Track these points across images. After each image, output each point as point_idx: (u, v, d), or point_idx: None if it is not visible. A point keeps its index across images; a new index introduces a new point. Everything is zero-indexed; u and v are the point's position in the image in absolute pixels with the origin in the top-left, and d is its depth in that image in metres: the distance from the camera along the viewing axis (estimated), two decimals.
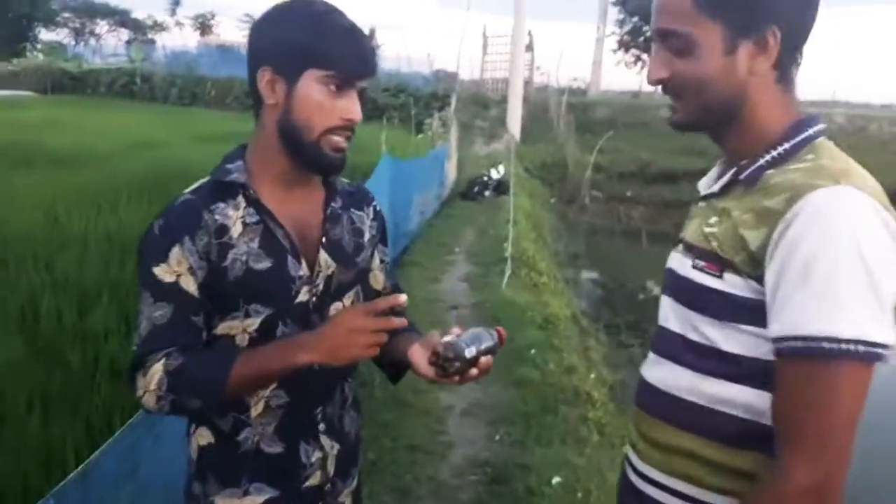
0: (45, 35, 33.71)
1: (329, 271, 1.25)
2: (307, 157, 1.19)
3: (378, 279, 1.42)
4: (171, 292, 1.14)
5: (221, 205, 1.18)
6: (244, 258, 1.17)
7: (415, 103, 17.75)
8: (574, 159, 14.55)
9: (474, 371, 1.12)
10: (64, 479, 1.66)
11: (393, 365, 1.30)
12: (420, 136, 13.66)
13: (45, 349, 3.32)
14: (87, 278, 4.08)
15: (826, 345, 0.85)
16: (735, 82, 1.00)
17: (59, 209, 5.65)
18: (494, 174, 11.14)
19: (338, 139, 1.19)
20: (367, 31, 1.21)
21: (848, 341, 0.84)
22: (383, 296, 1.43)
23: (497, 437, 3.62)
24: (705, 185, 1.12)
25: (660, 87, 1.07)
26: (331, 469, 1.30)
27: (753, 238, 0.93)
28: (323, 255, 1.25)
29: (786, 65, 1.01)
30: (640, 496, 1.10)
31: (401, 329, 1.36)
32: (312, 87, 1.15)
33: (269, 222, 1.20)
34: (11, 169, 7.78)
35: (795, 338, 0.87)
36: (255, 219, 1.19)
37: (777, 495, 0.88)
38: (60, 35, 37.45)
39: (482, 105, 19.07)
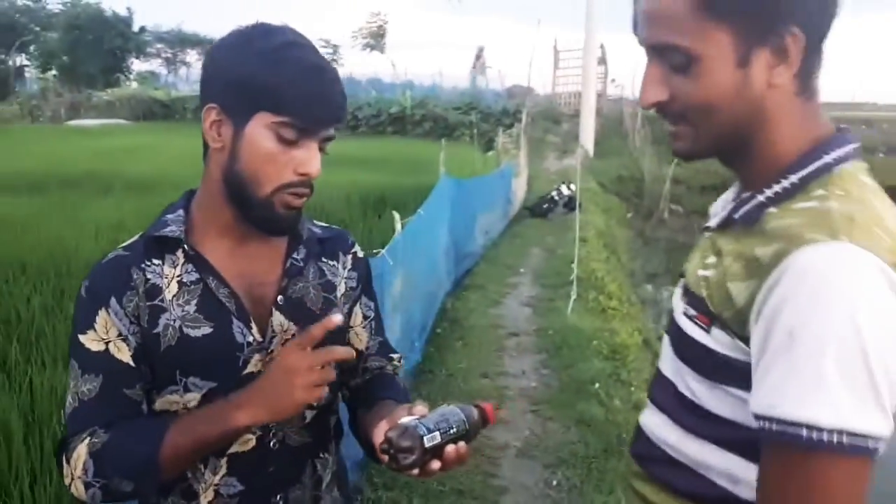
0: (138, 65, 35.82)
1: (288, 335, 1.06)
2: (254, 216, 1.01)
3: (361, 338, 1.21)
4: (100, 362, 1.00)
5: (156, 261, 1.03)
6: (177, 324, 1.01)
7: (485, 120, 17.63)
8: (651, 172, 14.02)
9: (436, 464, 0.89)
10: None
11: (367, 443, 1.06)
12: (489, 153, 13.47)
13: None
14: None
15: (805, 433, 0.70)
16: (751, 100, 0.81)
17: (122, 237, 5.75)
18: (565, 190, 10.79)
19: (291, 198, 1.00)
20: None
21: (829, 430, 0.69)
22: (366, 357, 1.22)
23: (554, 483, 3.35)
24: (714, 210, 0.94)
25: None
26: None
27: (739, 293, 0.78)
28: (278, 317, 1.06)
29: (809, 72, 0.82)
30: (639, 499, 0.98)
31: (386, 389, 1.15)
32: (262, 134, 0.97)
33: (209, 281, 1.02)
34: (90, 196, 8.09)
35: (771, 419, 0.72)
36: (193, 277, 1.03)
37: None
38: (153, 65, 39.73)
39: (554, 120, 18.76)
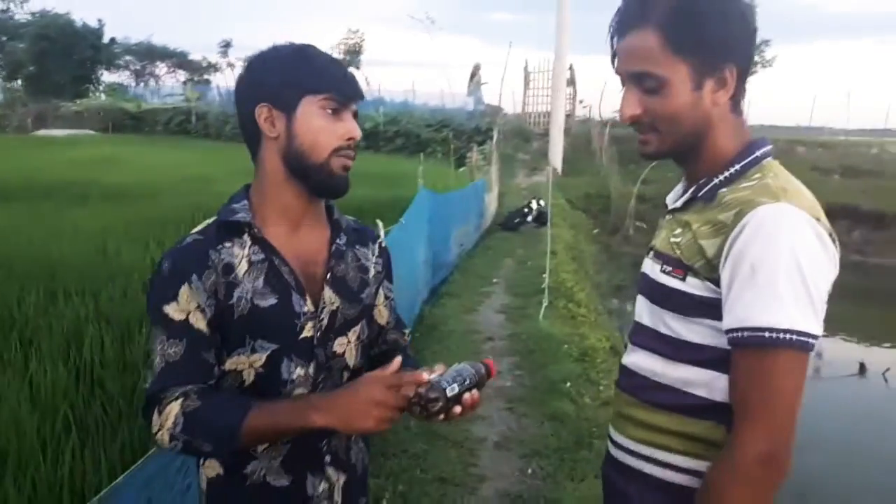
0: (107, 76, 35.44)
1: (333, 307, 1.26)
2: (318, 180, 1.22)
3: (382, 314, 1.43)
4: (183, 330, 1.16)
5: (228, 244, 1.20)
6: (249, 296, 1.19)
7: (457, 137, 17.94)
8: (617, 190, 14.43)
9: (458, 409, 1.11)
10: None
11: None
12: (461, 169, 13.76)
13: (87, 377, 3.42)
14: (130, 309, 4.20)
15: (767, 334, 0.99)
16: (702, 114, 1.13)
17: (108, 243, 5.87)
18: (535, 205, 11.12)
19: (345, 158, 1.23)
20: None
21: (784, 331, 0.99)
22: (386, 331, 1.45)
23: (529, 471, 3.56)
24: (671, 199, 1.25)
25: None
26: (338, 500, 1.30)
27: (709, 246, 1.08)
28: (327, 292, 1.26)
29: (738, 96, 1.15)
30: (617, 465, 1.25)
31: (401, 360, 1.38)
32: (312, 112, 1.19)
33: (274, 260, 1.22)
34: (67, 205, 8.14)
35: (743, 329, 1.02)
36: (260, 257, 1.21)
37: (735, 463, 1.01)
38: (122, 77, 39.33)
39: (524, 138, 19.14)
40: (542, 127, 19.11)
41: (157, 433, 1.15)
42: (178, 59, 42.10)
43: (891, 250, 14.65)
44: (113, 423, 3.01)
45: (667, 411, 1.16)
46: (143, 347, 3.65)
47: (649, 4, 1.10)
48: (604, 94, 21.69)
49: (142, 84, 38.25)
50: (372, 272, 1.37)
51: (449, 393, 1.09)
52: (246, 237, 1.22)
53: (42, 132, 22.26)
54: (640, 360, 1.21)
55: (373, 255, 1.39)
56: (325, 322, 1.25)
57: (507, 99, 21.47)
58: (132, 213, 7.49)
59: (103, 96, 28.55)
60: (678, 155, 1.19)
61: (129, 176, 11.18)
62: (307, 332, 1.23)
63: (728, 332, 1.04)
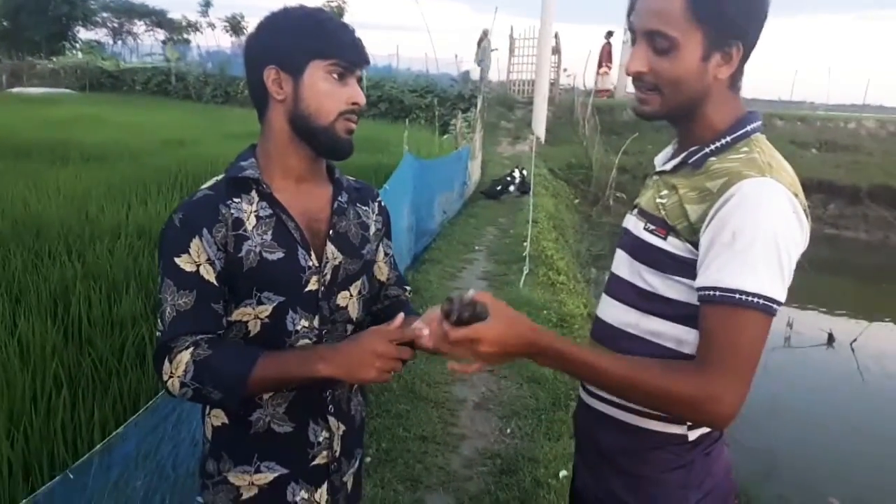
0: (84, 34, 34.49)
1: (336, 262, 1.32)
2: (323, 142, 1.27)
3: (383, 271, 1.49)
4: (193, 281, 1.21)
5: (237, 199, 1.26)
6: (258, 249, 1.24)
7: (441, 104, 17.83)
8: (598, 161, 14.50)
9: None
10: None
11: None
12: (445, 136, 13.73)
13: (76, 335, 3.47)
14: (116, 269, 4.24)
15: (737, 296, 1.07)
16: (703, 84, 1.18)
17: (91, 204, 5.85)
18: (517, 175, 11.18)
19: (349, 122, 1.27)
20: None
21: (753, 295, 1.07)
22: (387, 286, 1.51)
23: (508, 431, 3.70)
24: (661, 160, 1.32)
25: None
26: (337, 448, 1.36)
27: (693, 211, 1.15)
28: (330, 247, 1.32)
29: (738, 74, 1.21)
30: (588, 410, 1.35)
31: (403, 312, 1.43)
32: (319, 76, 1.24)
33: (281, 215, 1.27)
34: (48, 165, 8.03)
35: (716, 288, 1.09)
36: (268, 212, 1.27)
37: (690, 395, 1.09)
38: (99, 34, 38.30)
39: (508, 106, 19.06)
40: (526, 95, 19.04)
41: (167, 380, 1.19)
42: (157, 18, 41.04)
43: (864, 225, 14.94)
44: (103, 379, 3.07)
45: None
46: (130, 306, 3.70)
47: None
48: (588, 64, 21.62)
49: (119, 42, 37.31)
50: (372, 229, 1.43)
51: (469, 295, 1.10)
52: (254, 193, 1.27)
53: (17, 90, 21.72)
54: (615, 311, 1.29)
55: (373, 213, 1.45)
56: (328, 276, 1.31)
57: (491, 66, 21.16)
58: (114, 174, 7.43)
59: (80, 54, 27.82)
60: (672, 119, 1.25)
61: (108, 136, 11.01)
62: (312, 285, 1.28)
63: (700, 289, 1.11)
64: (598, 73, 19.87)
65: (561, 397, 4.06)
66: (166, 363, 1.19)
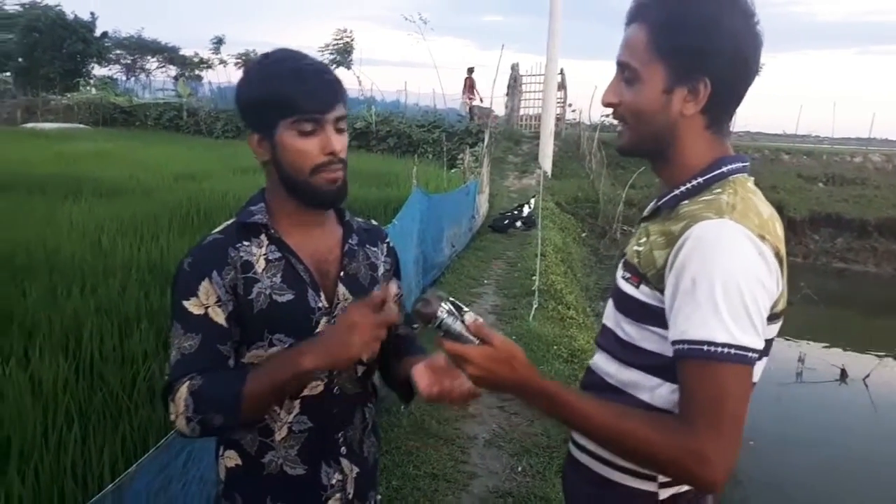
0: (98, 70, 35.17)
1: (346, 303, 1.33)
2: (304, 196, 1.28)
3: (393, 311, 1.52)
4: (200, 323, 1.22)
5: (246, 243, 1.28)
6: (268, 291, 1.26)
7: (449, 139, 18.01)
8: (605, 194, 14.57)
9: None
10: (99, 492, 1.77)
11: (403, 385, 1.37)
12: (453, 170, 13.83)
13: (87, 370, 3.47)
14: (128, 304, 4.26)
15: (706, 348, 1.01)
16: (667, 119, 1.16)
17: (104, 238, 5.90)
18: (525, 208, 11.22)
19: (328, 174, 1.26)
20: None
21: (723, 345, 1.00)
22: (396, 325, 1.51)
23: (519, 469, 3.66)
24: (648, 209, 1.28)
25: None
26: (350, 491, 1.35)
27: (659, 257, 1.11)
28: (341, 288, 1.33)
29: (715, 114, 1.16)
30: (575, 463, 1.29)
31: (410, 349, 1.42)
32: (288, 135, 1.24)
33: (290, 258, 1.29)
34: (61, 199, 8.11)
35: (683, 342, 1.04)
36: (277, 255, 1.29)
37: (678, 457, 1.02)
38: (113, 70, 39.05)
39: (514, 141, 19.23)
40: (533, 130, 19.23)
41: (175, 421, 1.20)
42: (170, 54, 41.89)
43: (873, 258, 14.88)
44: (114, 415, 3.07)
45: None
46: (142, 341, 3.71)
47: (649, 3, 1.15)
48: (594, 99, 21.86)
49: (132, 78, 38.01)
50: (381, 270, 1.44)
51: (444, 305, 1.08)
52: (263, 237, 1.29)
53: (31, 125, 22.06)
54: (600, 360, 1.27)
55: (382, 253, 1.46)
56: (338, 317, 1.31)
57: (498, 102, 21.57)
58: (126, 209, 7.50)
59: (94, 90, 28.31)
60: (644, 154, 1.23)
61: (121, 170, 11.14)
62: (321, 326, 1.29)
63: (673, 343, 1.06)
64: (462, 101, 22.04)
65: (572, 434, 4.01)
66: (171, 405, 1.20)
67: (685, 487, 1.16)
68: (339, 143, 1.26)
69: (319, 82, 1.23)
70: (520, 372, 1.08)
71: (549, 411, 1.10)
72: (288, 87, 1.21)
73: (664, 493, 1.16)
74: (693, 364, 1.03)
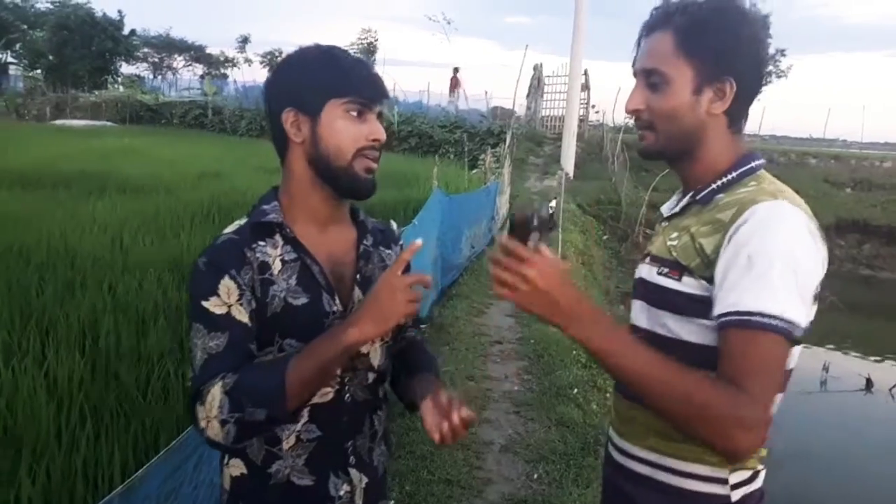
0: (125, 68, 35.70)
1: None
2: (343, 182, 1.24)
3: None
4: (224, 322, 1.17)
5: (261, 243, 1.23)
6: (283, 294, 1.21)
7: (470, 139, 17.96)
8: (627, 197, 14.42)
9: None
10: (109, 492, 1.75)
11: (411, 404, 1.34)
12: (474, 171, 13.78)
13: (103, 368, 3.48)
14: (146, 302, 4.26)
15: (756, 318, 1.04)
16: (697, 119, 1.21)
17: (125, 235, 5.94)
18: (549, 211, 11.11)
19: (368, 160, 1.25)
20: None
21: (772, 317, 1.04)
22: (405, 328, 1.48)
23: (535, 476, 3.60)
24: (667, 209, 1.34)
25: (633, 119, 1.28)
26: (359, 502, 1.31)
27: (708, 244, 1.15)
28: (357, 292, 1.29)
29: (736, 114, 1.23)
30: (618, 467, 1.30)
31: (420, 361, 1.41)
32: (336, 115, 1.22)
33: (305, 259, 1.24)
34: (86, 195, 8.21)
35: (736, 312, 1.06)
36: (292, 256, 1.24)
37: (725, 419, 1.03)
38: (140, 69, 39.62)
39: (536, 142, 19.14)
40: (555, 131, 19.11)
41: (205, 427, 1.12)
42: (196, 53, 42.40)
43: None
44: (127, 414, 3.06)
45: (647, 409, 1.17)
46: (157, 340, 3.71)
47: (673, 11, 1.20)
48: (617, 101, 21.69)
49: (159, 76, 38.51)
50: None
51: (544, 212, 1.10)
52: (278, 237, 1.25)
53: (60, 122, 22.45)
54: None
55: (396, 255, 1.42)
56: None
57: (520, 102, 21.58)
58: (149, 206, 7.56)
59: (121, 88, 28.76)
60: (672, 156, 1.26)
61: (145, 168, 11.25)
62: None
63: (718, 316, 1.08)
64: (449, 100, 23.40)
65: (590, 442, 3.95)
66: (199, 408, 1.12)
67: (753, 487, 1.21)
68: (383, 132, 1.26)
69: (377, 76, 1.26)
70: (578, 291, 1.09)
71: (598, 345, 1.08)
72: (349, 70, 1.23)
73: (736, 495, 1.19)
74: (741, 333, 1.05)
